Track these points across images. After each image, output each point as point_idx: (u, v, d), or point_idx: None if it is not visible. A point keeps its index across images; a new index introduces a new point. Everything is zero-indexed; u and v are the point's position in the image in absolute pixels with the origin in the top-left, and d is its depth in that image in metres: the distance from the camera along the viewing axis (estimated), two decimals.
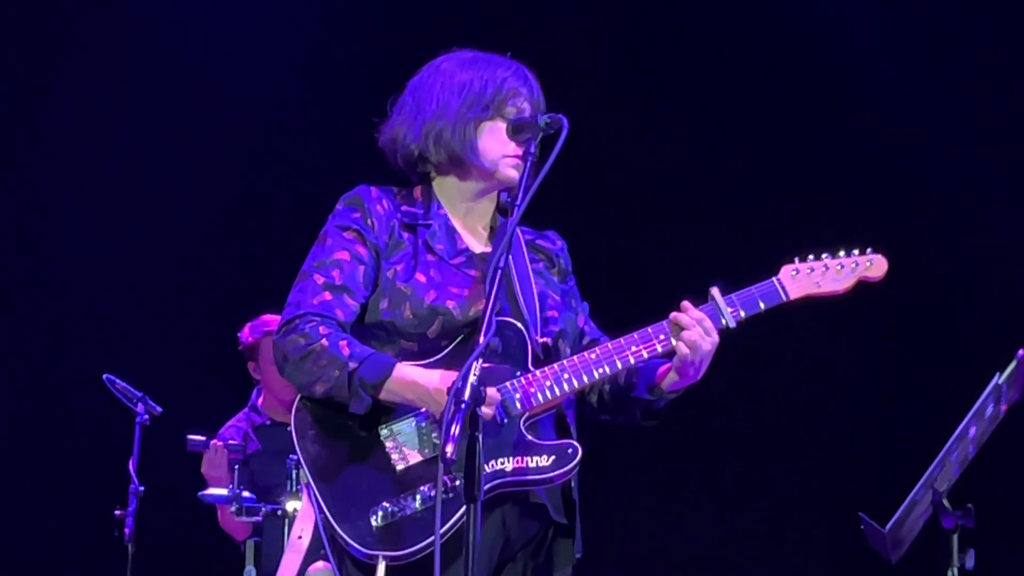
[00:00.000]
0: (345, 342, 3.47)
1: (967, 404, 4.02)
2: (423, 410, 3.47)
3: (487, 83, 3.65)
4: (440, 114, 3.65)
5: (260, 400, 6.49)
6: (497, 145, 3.63)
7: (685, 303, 3.56)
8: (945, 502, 3.99)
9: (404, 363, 3.46)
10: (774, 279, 3.62)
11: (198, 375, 7.35)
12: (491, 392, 3.35)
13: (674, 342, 3.53)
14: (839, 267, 3.66)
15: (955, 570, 4.02)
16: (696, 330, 3.52)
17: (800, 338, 6.83)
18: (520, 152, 3.60)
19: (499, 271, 3.29)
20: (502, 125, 3.63)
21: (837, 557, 6.96)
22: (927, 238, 6.99)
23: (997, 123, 7.08)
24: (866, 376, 7.33)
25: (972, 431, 4.04)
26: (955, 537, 3.99)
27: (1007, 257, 7.03)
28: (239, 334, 6.51)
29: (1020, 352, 4.05)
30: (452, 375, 3.25)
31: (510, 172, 3.63)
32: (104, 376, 6.36)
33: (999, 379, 4.02)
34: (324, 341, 3.46)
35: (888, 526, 3.99)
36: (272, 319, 6.25)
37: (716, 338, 3.53)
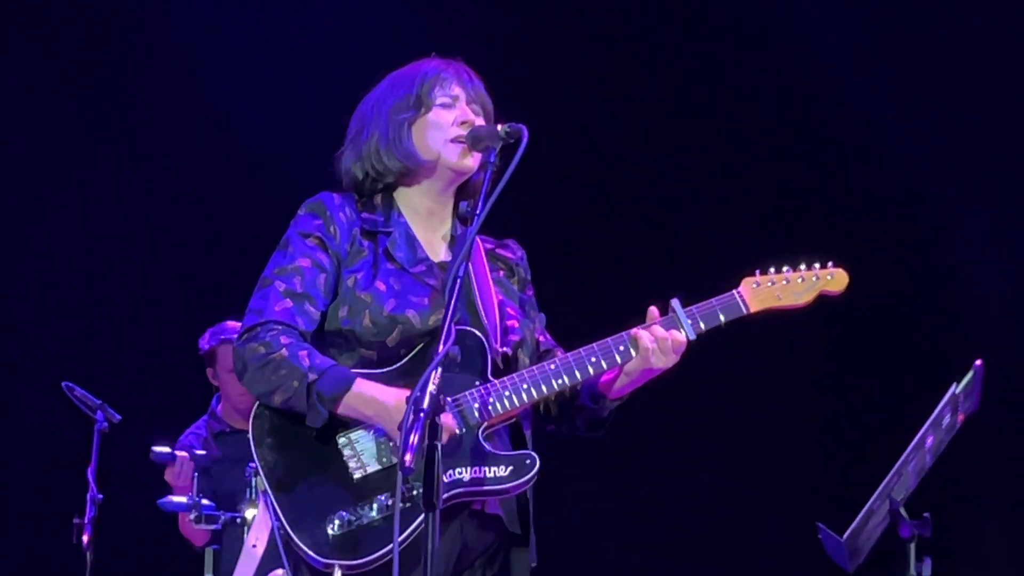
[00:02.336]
0: (306, 352, 3.46)
1: (924, 414, 4.05)
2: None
3: (409, 84, 3.65)
4: (373, 132, 3.65)
5: (220, 407, 6.47)
6: (434, 133, 3.62)
7: (652, 309, 3.57)
8: (902, 511, 4.01)
9: (363, 379, 3.45)
10: (735, 292, 3.62)
11: (158, 382, 7.31)
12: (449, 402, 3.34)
13: (633, 354, 3.54)
14: (800, 280, 3.67)
15: None
16: (653, 350, 3.52)
17: (757, 347, 6.85)
18: (464, 133, 3.59)
19: (458, 280, 3.28)
20: (435, 112, 3.62)
21: (795, 566, 6.97)
22: (886, 249, 7.01)
23: (958, 137, 7.11)
24: (824, 385, 7.35)
25: (929, 441, 4.06)
26: (912, 546, 4.01)
27: (965, 268, 7.07)
28: (199, 340, 6.49)
29: (977, 362, 4.08)
30: (408, 393, 3.22)
31: (455, 157, 3.61)
32: (63, 383, 6.32)
33: (956, 389, 4.04)
34: (284, 351, 3.44)
35: (846, 535, 4.01)
36: (233, 326, 6.22)
37: (675, 359, 3.54)
